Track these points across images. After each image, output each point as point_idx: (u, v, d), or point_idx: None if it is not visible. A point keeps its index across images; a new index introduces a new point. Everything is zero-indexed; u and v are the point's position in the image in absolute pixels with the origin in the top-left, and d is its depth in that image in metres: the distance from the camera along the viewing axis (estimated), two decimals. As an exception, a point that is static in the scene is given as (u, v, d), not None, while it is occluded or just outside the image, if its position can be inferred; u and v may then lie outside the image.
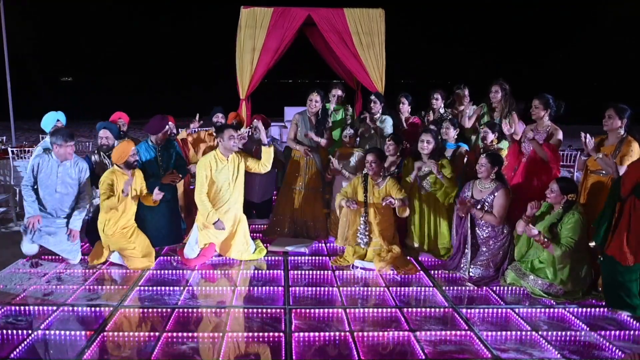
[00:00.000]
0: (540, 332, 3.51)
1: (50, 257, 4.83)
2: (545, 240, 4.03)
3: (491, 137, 5.13)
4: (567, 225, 4.01)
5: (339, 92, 6.10)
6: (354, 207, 4.65)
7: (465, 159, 5.19)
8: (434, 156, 4.86)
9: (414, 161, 5.00)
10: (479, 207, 4.46)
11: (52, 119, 5.29)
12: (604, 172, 4.24)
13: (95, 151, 5.24)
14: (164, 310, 3.80)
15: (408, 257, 4.86)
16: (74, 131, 15.19)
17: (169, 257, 4.93)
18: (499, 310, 3.88)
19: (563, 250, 3.96)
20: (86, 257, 4.82)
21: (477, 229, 4.53)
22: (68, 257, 4.75)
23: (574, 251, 3.97)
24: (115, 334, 3.42)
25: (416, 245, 5.03)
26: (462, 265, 4.57)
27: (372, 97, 5.80)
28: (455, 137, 5.25)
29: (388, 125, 5.66)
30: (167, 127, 5.20)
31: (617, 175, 4.03)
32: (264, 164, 4.93)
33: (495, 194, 4.40)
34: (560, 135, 4.70)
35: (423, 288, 4.29)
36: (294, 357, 3.16)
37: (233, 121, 6.03)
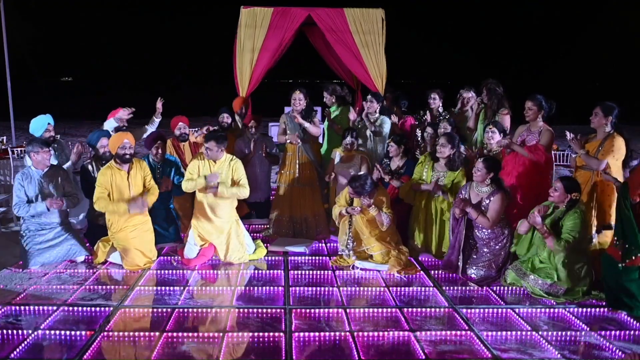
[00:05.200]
0: (540, 332, 3.51)
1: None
2: (547, 230, 4.03)
3: (497, 137, 5.04)
4: (568, 221, 4.02)
5: (326, 97, 6.11)
6: (356, 212, 4.65)
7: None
8: (454, 163, 4.85)
9: (431, 160, 5.00)
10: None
11: (43, 123, 5.27)
12: (588, 168, 4.46)
13: (91, 158, 5.19)
14: (164, 310, 3.80)
15: (409, 258, 4.85)
16: (75, 131, 15.26)
17: (169, 257, 4.93)
18: (499, 310, 3.87)
19: (562, 245, 3.97)
20: (90, 256, 4.83)
21: (476, 230, 4.53)
22: (74, 258, 4.79)
23: (572, 248, 3.98)
24: (115, 334, 3.42)
25: (419, 246, 5.03)
26: (459, 267, 4.56)
27: (369, 96, 5.81)
28: None
29: (385, 126, 5.66)
30: (154, 147, 5.23)
31: (597, 169, 4.33)
32: (236, 197, 4.87)
33: (492, 199, 4.39)
34: (550, 135, 4.74)
35: (423, 288, 4.29)
36: (294, 357, 3.16)
37: (241, 107, 6.13)
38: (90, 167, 5.11)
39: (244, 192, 4.82)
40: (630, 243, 3.74)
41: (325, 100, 6.19)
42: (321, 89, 6.28)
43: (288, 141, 5.60)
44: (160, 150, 5.26)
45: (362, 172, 5.33)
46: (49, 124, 5.32)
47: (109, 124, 5.62)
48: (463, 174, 4.85)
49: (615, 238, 3.87)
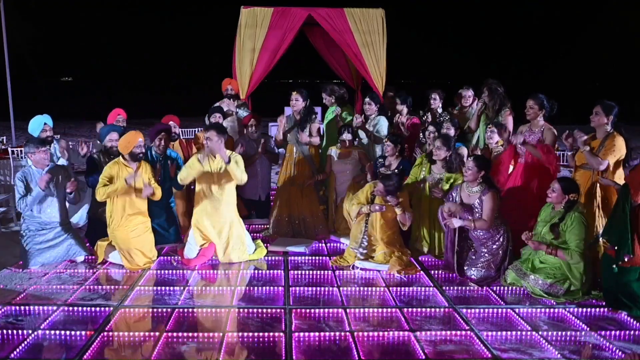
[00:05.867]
0: (540, 332, 3.51)
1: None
2: (552, 249, 4.05)
3: (497, 137, 5.04)
4: (570, 228, 4.00)
5: (325, 97, 6.15)
6: (379, 210, 4.63)
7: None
8: (451, 165, 4.85)
9: (428, 162, 5.00)
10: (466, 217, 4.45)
11: (39, 123, 5.28)
12: (588, 167, 4.38)
13: (101, 151, 5.18)
14: (164, 310, 3.80)
15: (410, 258, 4.85)
16: (75, 131, 15.26)
17: (169, 257, 4.93)
18: (499, 310, 3.87)
19: (575, 254, 3.96)
20: (89, 256, 4.83)
21: (471, 232, 4.51)
22: (74, 258, 4.79)
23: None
24: (115, 334, 3.43)
25: (425, 249, 5.01)
26: (454, 267, 4.55)
27: (367, 99, 5.81)
28: (455, 137, 5.25)
29: (382, 127, 5.66)
30: (157, 138, 5.19)
31: (598, 169, 4.24)
32: (236, 177, 4.73)
33: (483, 198, 4.39)
34: (553, 136, 4.73)
35: (423, 288, 4.29)
36: (294, 357, 3.16)
37: (228, 86, 6.40)
38: (97, 157, 5.11)
39: (244, 177, 4.73)
40: (619, 244, 3.75)
41: (325, 101, 6.18)
42: (320, 89, 6.27)
43: (281, 141, 5.64)
44: (163, 142, 5.24)
45: (361, 167, 5.35)
46: (45, 123, 5.33)
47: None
48: (460, 174, 4.85)
49: (605, 237, 3.89)
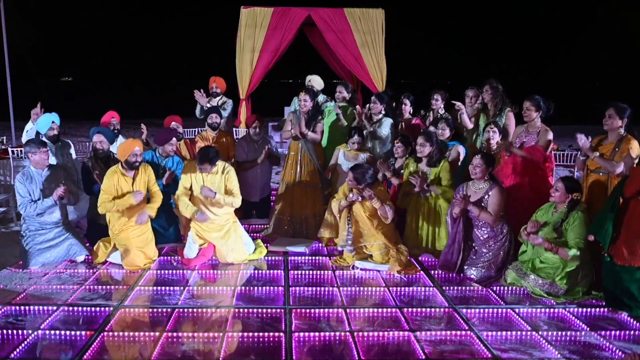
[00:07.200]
0: (540, 332, 3.52)
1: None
2: (553, 246, 4.04)
3: (498, 137, 5.05)
4: (572, 225, 4.01)
5: (344, 93, 6.09)
6: (354, 198, 4.62)
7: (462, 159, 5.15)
8: (432, 159, 4.86)
9: (415, 162, 5.01)
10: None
11: (47, 121, 5.32)
12: (603, 171, 4.30)
13: (90, 156, 5.19)
14: (164, 310, 3.80)
15: (409, 258, 4.84)
16: (75, 131, 15.25)
17: (169, 257, 4.93)
18: (499, 310, 3.87)
19: (574, 252, 3.96)
20: (90, 256, 4.83)
21: (475, 230, 4.52)
22: (74, 258, 4.79)
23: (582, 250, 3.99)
24: (115, 334, 3.43)
25: (416, 250, 5.01)
26: (457, 266, 4.55)
27: (373, 97, 5.77)
28: (451, 136, 5.25)
29: (384, 127, 5.63)
30: (171, 142, 5.20)
31: (614, 172, 4.16)
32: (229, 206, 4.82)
33: (490, 193, 4.40)
34: (549, 136, 4.73)
35: (423, 288, 4.29)
36: (294, 357, 3.16)
37: (213, 84, 6.46)
38: (90, 163, 5.12)
39: (237, 201, 4.80)
40: (600, 235, 3.85)
41: (337, 94, 6.09)
42: (332, 85, 6.21)
43: (293, 135, 5.54)
44: (173, 148, 5.26)
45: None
46: (53, 122, 5.38)
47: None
48: (447, 164, 4.87)
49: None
